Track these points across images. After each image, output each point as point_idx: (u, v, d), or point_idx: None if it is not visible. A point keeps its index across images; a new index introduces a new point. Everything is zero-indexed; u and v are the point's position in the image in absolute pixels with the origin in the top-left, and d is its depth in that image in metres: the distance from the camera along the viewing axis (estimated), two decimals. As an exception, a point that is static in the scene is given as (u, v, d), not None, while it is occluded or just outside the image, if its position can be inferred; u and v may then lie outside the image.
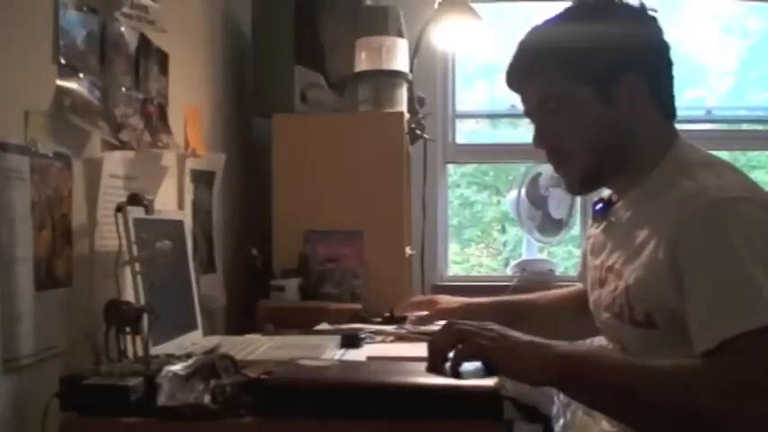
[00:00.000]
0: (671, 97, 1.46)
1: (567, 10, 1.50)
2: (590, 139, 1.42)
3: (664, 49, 1.44)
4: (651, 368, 1.22)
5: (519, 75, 1.48)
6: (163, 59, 1.95)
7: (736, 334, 1.15)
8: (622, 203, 1.50)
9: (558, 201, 3.45)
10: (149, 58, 1.87)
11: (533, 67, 1.46)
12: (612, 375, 1.24)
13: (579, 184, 1.49)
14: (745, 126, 3.92)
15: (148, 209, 1.57)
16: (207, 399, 1.25)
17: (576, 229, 3.57)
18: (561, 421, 2.38)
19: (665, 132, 1.45)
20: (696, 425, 1.17)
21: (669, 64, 1.45)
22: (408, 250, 2.64)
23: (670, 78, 1.46)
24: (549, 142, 1.47)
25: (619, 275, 1.42)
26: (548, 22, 1.47)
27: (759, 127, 3.88)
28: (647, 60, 1.42)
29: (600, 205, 1.59)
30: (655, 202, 1.37)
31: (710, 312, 1.20)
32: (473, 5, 2.81)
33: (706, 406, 1.15)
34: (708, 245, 1.22)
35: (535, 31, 1.47)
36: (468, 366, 1.29)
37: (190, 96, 2.21)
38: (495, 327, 1.32)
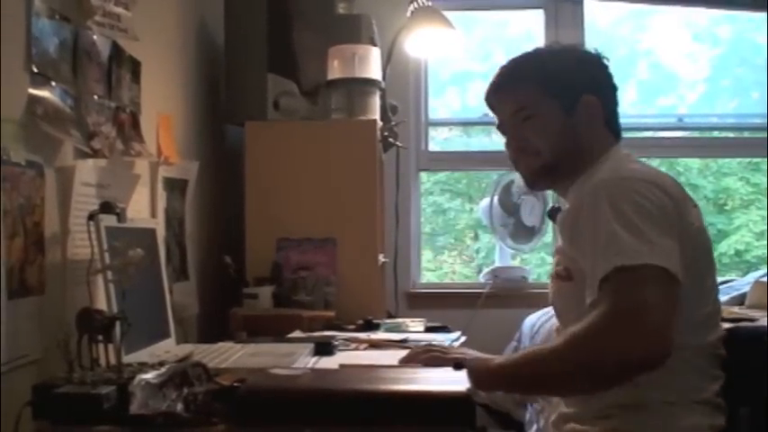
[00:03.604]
0: (617, 121, 1.72)
1: (543, 46, 1.87)
2: (553, 140, 1.66)
3: (613, 84, 1.73)
4: (540, 350, 1.49)
5: (498, 91, 1.73)
6: (135, 68, 1.95)
7: (605, 274, 1.37)
8: (567, 200, 1.73)
9: (531, 208, 3.46)
10: (122, 66, 1.87)
11: (512, 84, 1.72)
12: (521, 372, 1.47)
13: (536, 175, 1.71)
14: (716, 133, 3.97)
15: (121, 217, 1.57)
16: (179, 407, 1.25)
17: (548, 236, 3.58)
18: (534, 427, 2.40)
19: (611, 148, 1.68)
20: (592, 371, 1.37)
21: (616, 97, 1.73)
22: (381, 258, 2.65)
23: (617, 106, 1.72)
24: (520, 143, 1.70)
25: (559, 250, 1.66)
26: (525, 53, 1.75)
27: (730, 134, 3.92)
28: (601, 88, 1.70)
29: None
30: (580, 188, 1.63)
31: (590, 267, 1.43)
32: (445, 13, 2.83)
33: (588, 350, 1.36)
34: (588, 212, 1.48)
35: (515, 58, 1.75)
36: None
37: (162, 104, 2.21)
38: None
